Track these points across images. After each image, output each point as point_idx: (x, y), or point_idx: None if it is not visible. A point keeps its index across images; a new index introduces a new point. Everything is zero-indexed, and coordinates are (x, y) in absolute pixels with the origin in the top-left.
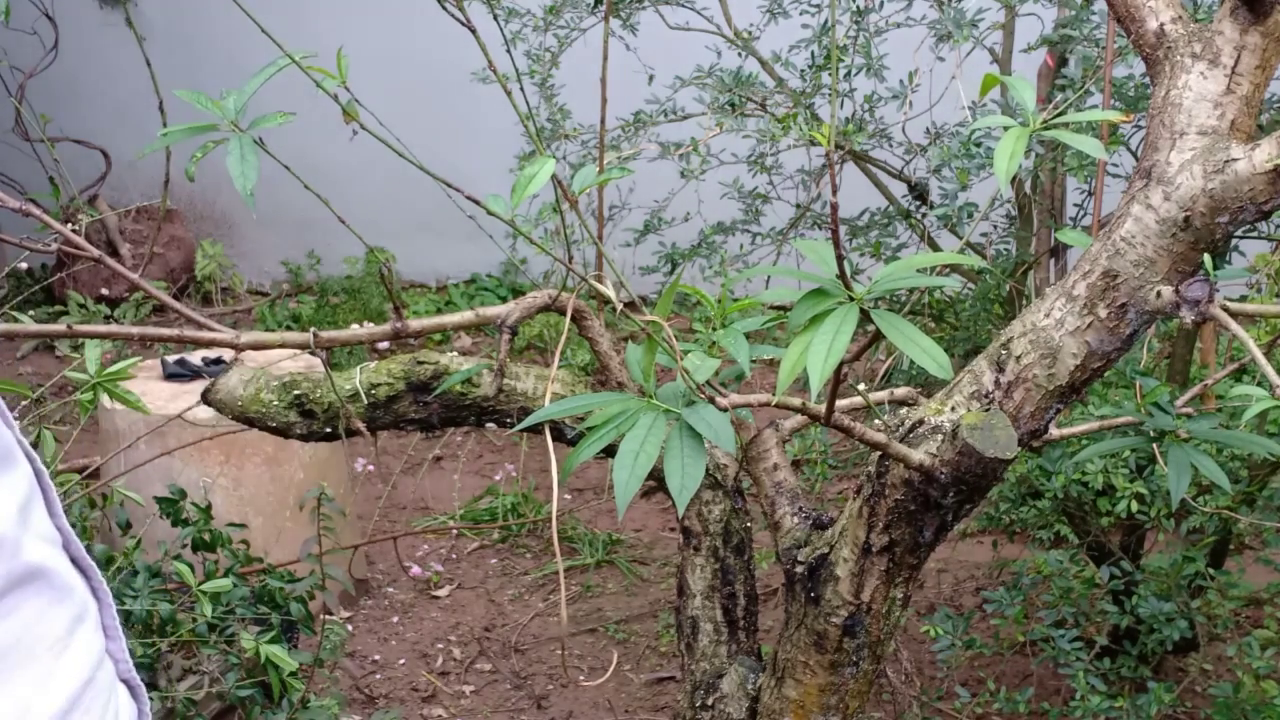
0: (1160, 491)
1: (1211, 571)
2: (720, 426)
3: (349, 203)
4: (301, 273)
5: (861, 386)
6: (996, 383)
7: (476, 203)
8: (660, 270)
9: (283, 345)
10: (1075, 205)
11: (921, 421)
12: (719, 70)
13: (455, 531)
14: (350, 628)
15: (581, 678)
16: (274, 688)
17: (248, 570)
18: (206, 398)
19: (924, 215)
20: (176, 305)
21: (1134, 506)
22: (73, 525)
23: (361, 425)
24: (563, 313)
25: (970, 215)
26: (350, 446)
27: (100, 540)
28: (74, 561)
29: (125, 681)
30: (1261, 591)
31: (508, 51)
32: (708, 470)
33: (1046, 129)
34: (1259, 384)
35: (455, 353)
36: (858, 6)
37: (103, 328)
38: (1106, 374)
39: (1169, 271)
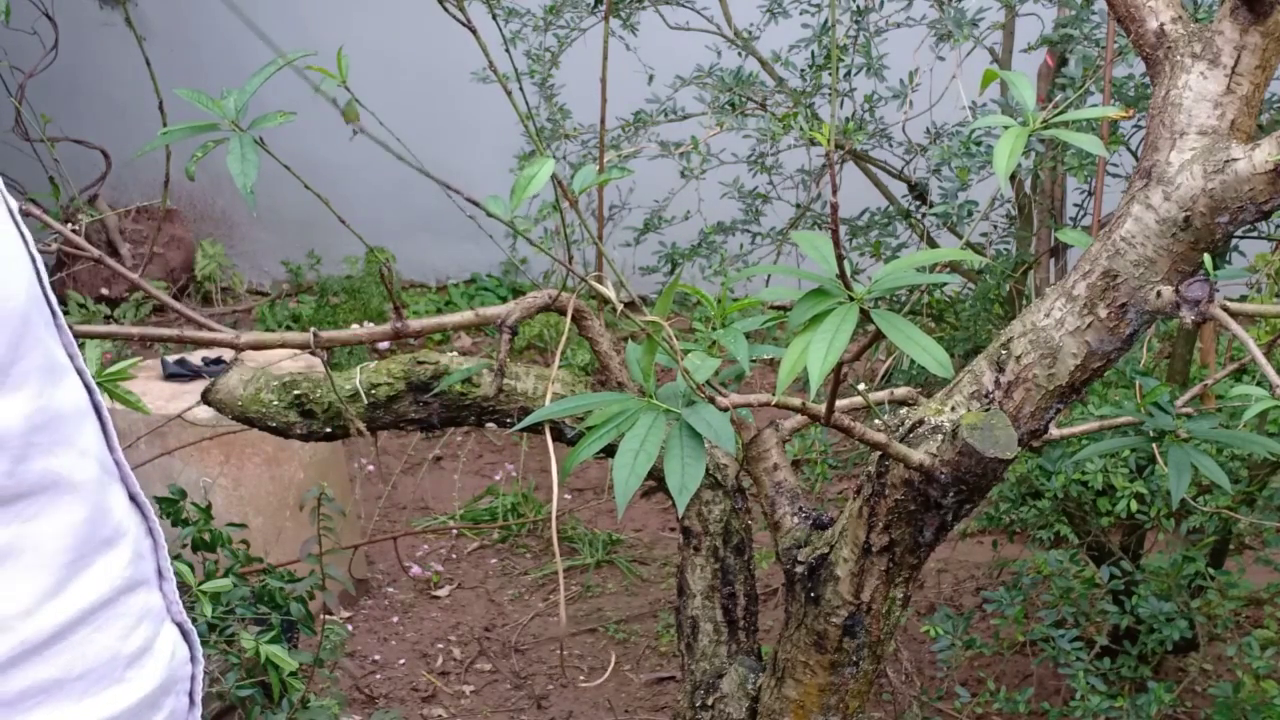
0: (1160, 491)
1: (1211, 571)
2: (720, 426)
3: (349, 203)
4: (301, 273)
5: (861, 386)
6: (996, 383)
7: (476, 204)
8: (660, 270)
9: (283, 345)
10: (1075, 205)
11: (921, 421)
12: (719, 70)
13: (455, 531)
14: (350, 628)
15: (581, 678)
16: (274, 688)
17: (248, 570)
18: (206, 398)
19: (924, 215)
20: (176, 305)
21: (1134, 506)
22: None
23: (361, 425)
24: (563, 313)
25: (970, 214)
26: (350, 446)
27: None
28: (131, 497)
29: (179, 625)
30: (1261, 591)
31: (508, 51)
32: (708, 470)
33: (1046, 128)
34: (1259, 384)
35: (455, 353)
36: (858, 6)
37: (103, 328)
38: (1106, 374)
39: (1169, 271)
